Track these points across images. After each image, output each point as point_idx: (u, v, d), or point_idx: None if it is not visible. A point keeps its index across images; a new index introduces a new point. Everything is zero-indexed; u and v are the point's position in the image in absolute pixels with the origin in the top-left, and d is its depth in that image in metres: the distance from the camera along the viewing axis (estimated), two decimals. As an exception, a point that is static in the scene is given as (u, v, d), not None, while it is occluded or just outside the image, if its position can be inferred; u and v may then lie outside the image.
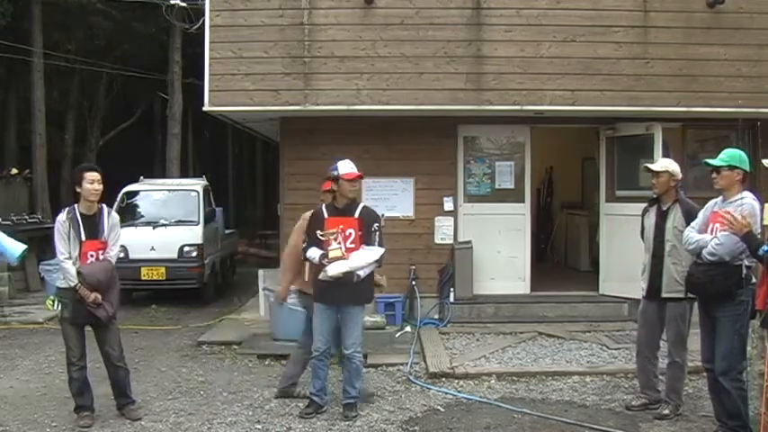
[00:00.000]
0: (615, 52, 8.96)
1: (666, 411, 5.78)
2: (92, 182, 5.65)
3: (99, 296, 5.66)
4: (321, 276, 5.78)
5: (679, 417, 5.77)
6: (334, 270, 5.68)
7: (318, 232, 5.80)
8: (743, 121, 8.31)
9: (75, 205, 5.76)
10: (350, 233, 5.78)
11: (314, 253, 5.84)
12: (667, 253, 5.75)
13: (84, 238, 5.65)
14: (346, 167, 5.85)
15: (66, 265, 5.63)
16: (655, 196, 6.00)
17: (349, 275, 5.70)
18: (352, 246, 5.78)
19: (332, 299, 5.85)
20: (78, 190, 5.71)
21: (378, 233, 5.84)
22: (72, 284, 5.61)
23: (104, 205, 5.88)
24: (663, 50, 8.95)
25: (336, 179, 5.84)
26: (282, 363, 7.65)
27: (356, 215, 5.84)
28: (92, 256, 5.69)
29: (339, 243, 5.72)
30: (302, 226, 6.18)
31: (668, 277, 5.74)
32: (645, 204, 6.18)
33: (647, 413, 5.88)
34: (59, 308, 5.74)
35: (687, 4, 9.03)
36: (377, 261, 5.85)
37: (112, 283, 5.82)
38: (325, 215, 5.88)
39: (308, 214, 6.19)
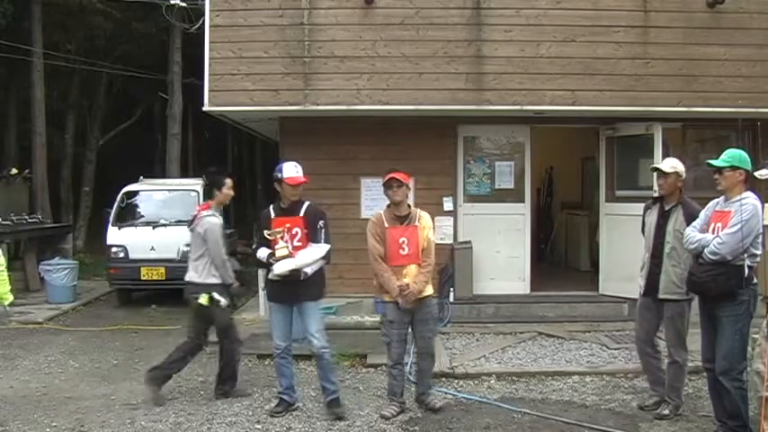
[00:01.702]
0: (615, 52, 8.96)
1: (666, 411, 5.77)
2: (230, 188, 6.36)
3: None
4: (270, 276, 5.85)
5: (679, 417, 5.76)
6: (280, 269, 5.73)
7: (266, 232, 5.86)
8: (743, 121, 8.31)
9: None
10: (296, 232, 5.83)
11: (262, 253, 5.91)
12: (667, 254, 5.71)
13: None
14: (290, 171, 5.85)
15: (229, 264, 6.29)
16: (657, 195, 5.99)
17: (296, 273, 5.73)
18: (299, 244, 5.82)
19: (283, 297, 5.91)
20: (217, 193, 6.40)
21: (323, 230, 5.88)
22: (230, 282, 6.31)
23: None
24: (663, 50, 8.95)
25: (279, 181, 5.86)
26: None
27: (301, 214, 5.88)
28: None
29: (286, 242, 5.77)
30: (371, 228, 6.02)
31: (666, 279, 5.71)
32: (644, 204, 6.16)
33: (646, 413, 5.87)
34: (220, 303, 6.23)
35: (687, 4, 9.04)
36: (323, 258, 5.89)
37: None
38: (272, 215, 5.93)
39: (375, 217, 6.09)
